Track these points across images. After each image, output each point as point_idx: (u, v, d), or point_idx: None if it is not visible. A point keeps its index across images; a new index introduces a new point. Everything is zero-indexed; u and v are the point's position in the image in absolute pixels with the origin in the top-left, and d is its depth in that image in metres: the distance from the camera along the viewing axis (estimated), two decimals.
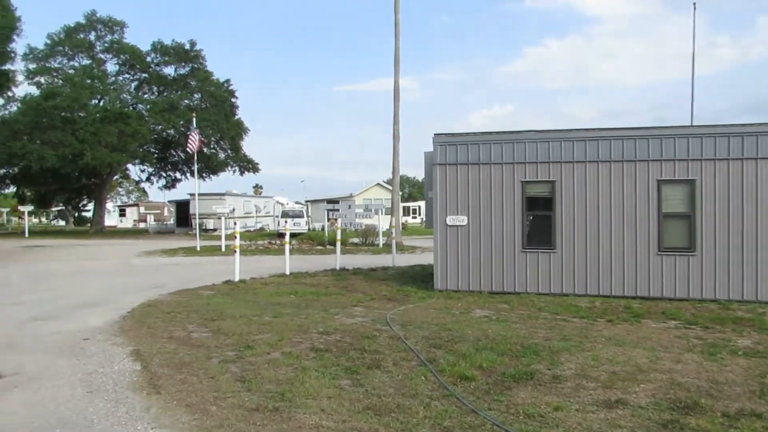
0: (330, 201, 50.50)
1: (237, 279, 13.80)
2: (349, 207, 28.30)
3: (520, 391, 5.55)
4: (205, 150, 47.06)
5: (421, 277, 15.04)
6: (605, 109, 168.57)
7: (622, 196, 11.92)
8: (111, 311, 9.81)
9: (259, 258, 21.85)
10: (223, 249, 24.04)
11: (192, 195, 42.22)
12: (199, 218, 41.23)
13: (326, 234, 28.82)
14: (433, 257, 12.97)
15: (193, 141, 24.84)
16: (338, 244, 17.13)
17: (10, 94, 21.70)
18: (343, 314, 9.51)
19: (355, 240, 28.24)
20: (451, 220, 12.80)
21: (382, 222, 28.77)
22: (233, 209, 40.94)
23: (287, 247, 15.52)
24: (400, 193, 53.68)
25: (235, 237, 14.05)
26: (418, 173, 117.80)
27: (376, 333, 7.90)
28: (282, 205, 57.43)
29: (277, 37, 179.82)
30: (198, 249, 24.55)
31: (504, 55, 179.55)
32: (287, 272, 15.45)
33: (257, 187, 73.48)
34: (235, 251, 13.91)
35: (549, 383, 5.80)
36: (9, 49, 18.53)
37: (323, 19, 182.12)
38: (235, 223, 14.42)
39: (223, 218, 25.13)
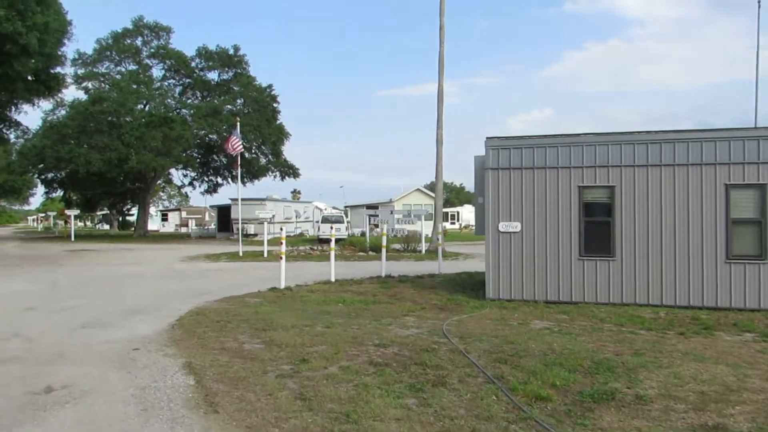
0: (369, 206, 50.25)
1: (283, 286, 13.55)
2: (391, 212, 27.98)
3: (603, 413, 5.08)
4: (246, 155, 47.50)
5: (470, 285, 14.57)
6: (647, 112, 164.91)
7: (687, 201, 11.26)
8: (159, 319, 9.63)
9: (302, 264, 21.64)
10: (266, 255, 23.95)
11: (233, 200, 42.53)
12: (241, 223, 41.58)
13: (368, 240, 28.51)
14: (485, 265, 12.49)
15: (233, 144, 24.86)
16: (383, 251, 16.74)
17: (58, 98, 22.24)
18: (396, 325, 9.13)
19: (397, 246, 27.84)
20: (503, 226, 12.31)
21: (425, 228, 28.29)
22: (274, 215, 41.08)
23: (332, 254, 15.24)
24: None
25: (281, 243, 13.81)
26: (456, 178, 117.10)
27: (435, 346, 7.49)
28: (320, 210, 57.51)
29: (318, 42, 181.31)
30: (241, 254, 24.52)
31: (543, 60, 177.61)
32: (332, 279, 15.16)
33: (295, 192, 73.79)
34: (281, 258, 13.66)
35: (633, 404, 5.30)
36: (60, 53, 18.83)
37: (364, 24, 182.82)
38: (281, 229, 14.18)
39: (265, 223, 25.03)
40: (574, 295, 11.80)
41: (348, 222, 40.52)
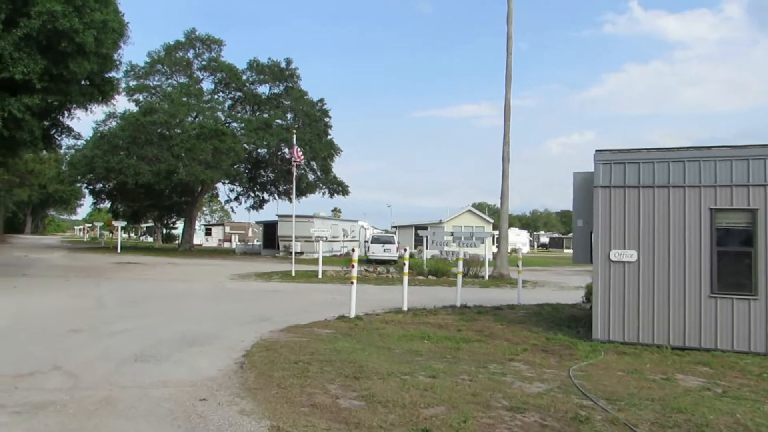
0: (418, 227, 48.61)
1: (353, 315, 11.93)
2: (452, 234, 26.24)
3: None
4: (294, 170, 46.49)
5: (561, 321, 12.73)
6: (689, 136, 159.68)
7: None
8: (222, 352, 8.09)
9: (360, 287, 19.98)
10: (320, 275, 22.44)
11: (281, 216, 41.41)
12: (288, 241, 40.33)
13: (425, 262, 26.76)
14: (593, 299, 10.62)
15: (298, 154, 23.66)
16: (459, 277, 15.03)
17: (111, 106, 21.49)
18: (512, 375, 7.38)
19: (456, 270, 26.02)
20: (616, 254, 10.46)
21: (487, 251, 26.42)
22: (328, 233, 39.76)
23: (405, 280, 13.57)
24: (491, 222, 51.15)
25: (352, 266, 12.21)
26: (494, 200, 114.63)
27: (583, 412, 5.71)
28: (365, 229, 56.06)
29: (362, 58, 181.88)
30: (293, 274, 23.07)
31: (582, 82, 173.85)
32: (405, 308, 13.49)
33: (335, 211, 72.56)
34: (352, 283, 12.06)
35: None
36: (116, 57, 17.96)
37: (404, 44, 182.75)
38: (353, 250, 12.59)
39: (320, 242, 23.62)
40: (704, 341, 9.85)
41: (398, 243, 38.84)
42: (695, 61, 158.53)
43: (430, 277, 23.88)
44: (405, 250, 13.96)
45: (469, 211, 50.45)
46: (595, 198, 10.65)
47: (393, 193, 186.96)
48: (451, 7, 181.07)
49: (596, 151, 10.80)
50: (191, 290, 17.15)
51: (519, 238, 71.87)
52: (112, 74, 19.50)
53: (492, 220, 50.20)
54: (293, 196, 28.17)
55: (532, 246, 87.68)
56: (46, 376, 6.51)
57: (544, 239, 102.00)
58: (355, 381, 6.42)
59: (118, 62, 19.10)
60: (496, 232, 53.05)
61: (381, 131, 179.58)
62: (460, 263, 15.46)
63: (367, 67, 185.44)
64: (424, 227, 48.34)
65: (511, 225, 77.11)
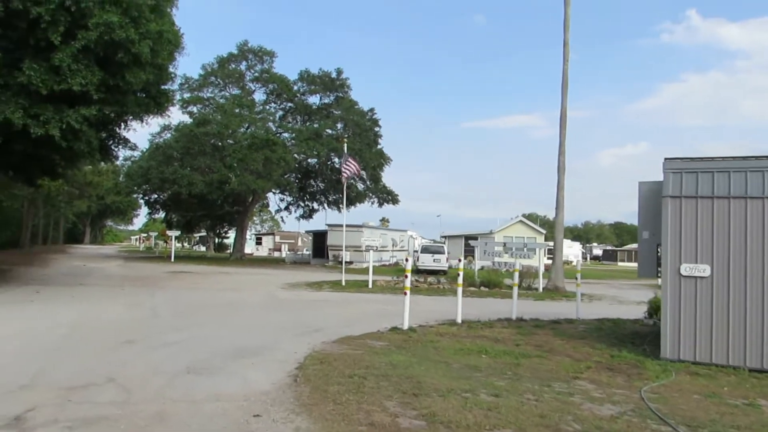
0: (468, 237, 47.95)
1: (406, 326, 11.62)
2: (505, 245, 25.67)
3: None
4: (342, 180, 46.59)
5: (624, 337, 12.09)
6: (750, 149, 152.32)
7: None
8: (275, 364, 7.92)
9: (411, 298, 19.67)
10: (371, 285, 22.24)
11: (330, 226, 41.51)
12: (338, 250, 40.37)
13: (476, 273, 26.21)
14: (662, 316, 10.01)
15: (351, 167, 23.54)
16: (515, 289, 14.55)
17: (166, 117, 21.90)
18: (579, 394, 6.94)
19: (509, 281, 25.39)
20: (687, 269, 9.83)
21: (541, 263, 25.70)
22: (379, 243, 39.61)
23: (459, 291, 13.20)
24: (544, 233, 50.02)
25: (406, 276, 11.93)
26: (545, 211, 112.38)
27: None
28: (414, 239, 55.70)
29: (416, 70, 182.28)
30: (343, 284, 22.95)
31: (637, 92, 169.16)
32: (459, 320, 13.10)
33: (384, 220, 72.42)
34: (405, 293, 11.76)
35: None
36: (171, 68, 18.28)
37: (467, 56, 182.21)
38: (406, 260, 12.33)
39: (370, 252, 23.44)
40: None
41: (449, 253, 38.33)
42: (757, 71, 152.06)
43: (482, 288, 23.36)
44: (459, 260, 13.57)
45: (521, 221, 49.48)
46: (663, 209, 10.07)
47: (442, 203, 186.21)
48: (505, 18, 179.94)
49: (666, 159, 10.23)
50: (243, 300, 17.19)
51: (571, 250, 70.18)
52: (168, 86, 19.83)
53: (544, 231, 49.09)
54: (344, 204, 27.93)
55: (584, 258, 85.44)
56: (99, 389, 6.44)
57: (597, 251, 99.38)
58: (414, 398, 6.12)
59: (173, 74, 19.45)
60: (549, 243, 51.95)
61: (431, 142, 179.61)
62: (516, 275, 14.98)
63: (420, 78, 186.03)
64: (474, 237, 47.64)
65: (565, 237, 75.51)
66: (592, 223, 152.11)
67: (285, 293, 19.71)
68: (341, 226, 41.11)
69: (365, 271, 34.57)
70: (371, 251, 23.79)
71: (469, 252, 47.33)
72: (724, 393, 7.62)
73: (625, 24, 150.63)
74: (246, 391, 6.41)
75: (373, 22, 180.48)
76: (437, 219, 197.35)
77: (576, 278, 16.04)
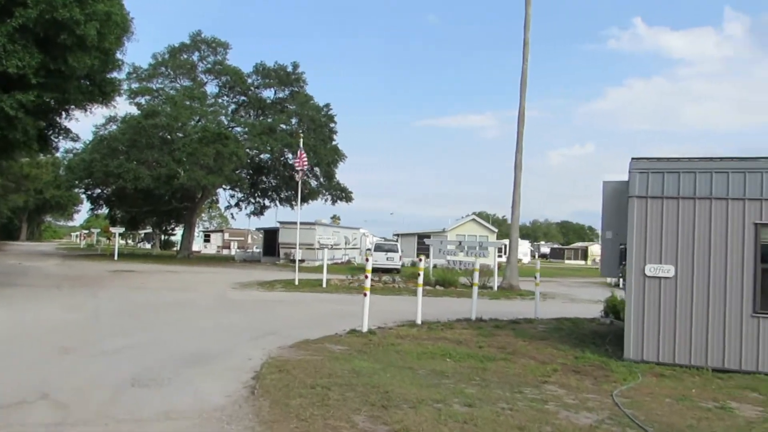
0: (421, 236, 47.84)
1: (365, 329, 11.18)
2: (460, 243, 25.55)
3: None
4: (296, 176, 45.68)
5: (585, 337, 12.00)
6: (692, 152, 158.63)
7: None
8: (229, 373, 7.35)
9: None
10: (324, 285, 21.68)
11: (282, 223, 40.67)
12: (289, 248, 39.60)
13: (431, 272, 25.97)
14: (626, 316, 9.89)
15: (303, 159, 22.88)
16: (475, 290, 14.30)
17: (112, 107, 20.52)
18: (553, 402, 6.65)
19: (463, 280, 25.27)
20: (652, 269, 9.74)
21: (496, 261, 25.67)
22: (335, 241, 38.96)
23: (420, 292, 12.83)
24: (496, 231, 50.42)
25: (366, 276, 11.47)
26: (499, 211, 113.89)
27: None
28: (366, 237, 55.32)
29: (367, 68, 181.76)
30: (296, 283, 22.31)
31: (585, 95, 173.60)
32: (418, 321, 12.75)
33: (334, 218, 71.82)
34: (365, 294, 11.31)
35: None
36: (119, 56, 17.13)
37: (418, 55, 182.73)
38: (366, 259, 11.87)
39: (324, 250, 22.88)
40: (745, 363, 9.14)
41: (402, 251, 38.10)
42: (698, 79, 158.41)
43: (437, 287, 23.13)
44: (420, 260, 13.21)
45: (473, 220, 49.73)
46: (630, 209, 9.94)
47: (392, 201, 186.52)
48: (457, 19, 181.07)
49: (632, 159, 10.11)
50: (193, 301, 16.39)
51: (521, 249, 71.06)
52: (115, 74, 18.69)
53: (496, 230, 49.47)
54: (298, 201, 27.51)
55: (533, 256, 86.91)
56: (31, 408, 5.69)
57: (545, 249, 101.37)
58: (384, 411, 5.68)
59: (121, 61, 18.30)
60: (504, 242, 52.34)
61: (383, 140, 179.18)
62: (476, 274, 14.74)
63: (371, 77, 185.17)
64: (427, 236, 47.47)
65: (509, 235, 76.48)
66: (539, 221, 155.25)
67: (236, 293, 18.96)
68: (294, 223, 40.36)
69: (318, 269, 33.90)
70: (326, 249, 23.22)
71: (423, 250, 47.27)
72: (693, 395, 7.49)
73: (574, 29, 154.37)
74: (199, 407, 5.83)
75: (329, 22, 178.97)
76: (389, 217, 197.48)
77: (535, 277, 15.92)
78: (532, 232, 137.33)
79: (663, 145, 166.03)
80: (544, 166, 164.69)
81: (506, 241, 32.00)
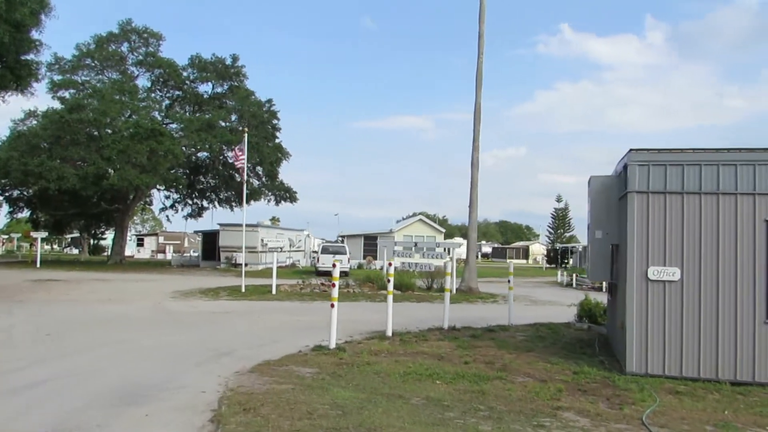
0: (368, 237, 46.63)
1: (333, 345, 9.79)
2: (417, 244, 24.40)
3: None
4: (237, 176, 43.37)
5: (571, 347, 11.03)
6: (618, 153, 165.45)
7: None
8: (179, 415, 5.82)
9: (322, 305, 17.78)
10: (274, 291, 20.04)
11: (223, 225, 38.48)
12: (231, 252, 37.50)
13: (386, 274, 24.67)
14: (627, 325, 8.88)
15: (238, 156, 21.01)
16: (447, 296, 13.17)
17: (31, 106, 18.18)
18: None
19: (419, 283, 24.12)
20: (655, 272, 8.78)
21: (453, 263, 24.62)
22: (284, 244, 37.01)
23: (390, 300, 11.51)
24: (443, 231, 49.77)
25: (333, 285, 10.06)
26: (439, 212, 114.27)
27: None
28: (309, 238, 53.59)
29: (304, 68, 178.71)
30: (243, 290, 20.54)
31: (517, 97, 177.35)
32: (389, 333, 11.45)
33: (274, 219, 69.55)
34: (332, 306, 9.90)
35: None
36: (35, 35, 14.90)
37: (355, 58, 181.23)
38: (334, 265, 10.45)
39: (275, 253, 21.21)
40: (759, 374, 8.33)
41: (350, 253, 36.69)
42: (622, 83, 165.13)
43: (396, 292, 21.85)
44: (390, 264, 11.91)
45: (420, 220, 48.93)
46: (629, 205, 8.95)
47: (333, 202, 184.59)
48: (392, 24, 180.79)
49: (631, 150, 9.12)
50: (126, 314, 14.47)
51: (464, 248, 70.98)
52: (31, 56, 16.35)
53: (443, 230, 48.87)
54: (243, 201, 25.56)
55: (476, 256, 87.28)
56: None
57: (486, 249, 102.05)
58: None
59: (38, 42, 16.03)
60: (461, 241, 51.66)
61: (321, 141, 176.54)
62: (449, 278, 13.57)
63: (311, 76, 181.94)
64: (373, 237, 46.44)
65: (453, 235, 76.21)
66: (478, 221, 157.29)
67: (177, 304, 17.07)
68: (235, 225, 38.31)
69: (263, 274, 32.09)
70: (275, 253, 21.56)
71: (369, 251, 46.07)
72: (730, 419, 6.51)
73: (505, 34, 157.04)
74: None
75: (266, 19, 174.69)
76: (330, 219, 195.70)
77: (508, 281, 14.86)
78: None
79: (591, 145, 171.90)
80: (480, 167, 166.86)
81: (463, 241, 31.21)
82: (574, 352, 10.39)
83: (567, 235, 72.15)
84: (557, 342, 11.56)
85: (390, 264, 11.99)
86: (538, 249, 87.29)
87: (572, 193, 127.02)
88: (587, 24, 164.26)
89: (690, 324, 8.57)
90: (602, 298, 17.75)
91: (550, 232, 75.37)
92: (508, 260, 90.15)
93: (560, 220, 73.27)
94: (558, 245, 69.59)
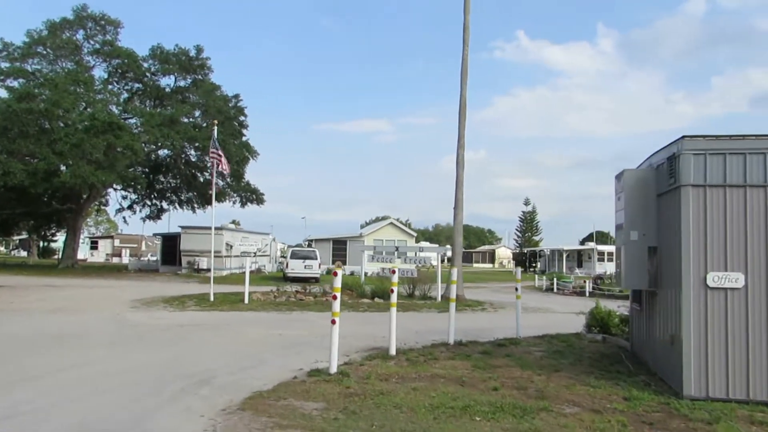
0: (336, 241, 44.99)
1: (333, 369, 8.22)
2: (398, 249, 22.96)
3: None
4: (200, 176, 41.13)
5: (599, 363, 9.75)
6: (573, 157, 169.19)
7: None
8: None
9: (300, 316, 16.15)
10: (247, 300, 18.24)
11: (184, 228, 36.27)
12: (193, 256, 35.36)
13: (363, 281, 23.16)
14: (684, 341, 7.56)
15: (221, 160, 19.07)
16: (452, 306, 11.70)
17: None
18: None
19: (400, 289, 22.66)
20: (715, 279, 7.53)
21: (438, 269, 23.29)
22: (258, 248, 34.97)
23: (393, 312, 9.96)
24: (414, 235, 48.45)
25: (334, 297, 8.45)
26: (401, 215, 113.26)
27: None
28: (275, 242, 51.62)
29: (265, 69, 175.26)
30: (212, 299, 18.66)
31: (475, 103, 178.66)
32: (392, 351, 9.92)
33: (234, 223, 67.11)
34: (334, 322, 8.32)
35: None
36: None
37: (315, 59, 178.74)
38: (335, 273, 8.79)
39: (247, 259, 19.41)
40: None
41: (320, 259, 35.02)
42: (576, 89, 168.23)
43: (376, 299, 20.36)
44: (393, 272, 10.39)
45: (391, 223, 47.50)
46: (683, 201, 7.66)
47: (294, 205, 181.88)
48: (350, 26, 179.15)
49: (684, 137, 7.83)
50: (81, 329, 12.52)
51: (432, 253, 69.95)
52: None
53: (414, 234, 47.60)
54: (213, 202, 23.40)
55: (442, 261, 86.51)
56: None
57: (449, 254, 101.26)
58: None
59: None
60: (447, 247, 50.23)
61: (283, 142, 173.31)
62: (453, 287, 12.14)
63: (274, 77, 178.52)
64: (342, 241, 44.85)
65: (418, 239, 75.09)
66: (441, 225, 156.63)
67: (139, 315, 15.14)
68: (197, 228, 36.16)
69: (228, 280, 30.14)
70: (248, 258, 19.77)
71: (339, 256, 44.40)
72: None
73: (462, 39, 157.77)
74: None
75: (233, 13, 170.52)
76: (293, 222, 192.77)
77: (516, 290, 13.53)
78: (435, 236, 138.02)
79: (547, 150, 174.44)
80: (440, 171, 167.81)
81: (448, 247, 29.95)
82: (607, 371, 9.08)
83: (535, 238, 71.85)
84: (581, 358, 10.26)
85: (393, 272, 10.41)
86: (504, 253, 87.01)
87: (530, 197, 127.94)
88: (542, 31, 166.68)
89: (757, 338, 7.35)
90: (587, 304, 16.65)
91: (518, 236, 74.99)
92: (474, 264, 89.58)
93: (528, 223, 72.97)
94: (526, 249, 69.17)
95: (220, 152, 19.63)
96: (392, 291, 10.06)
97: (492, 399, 7.14)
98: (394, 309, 9.97)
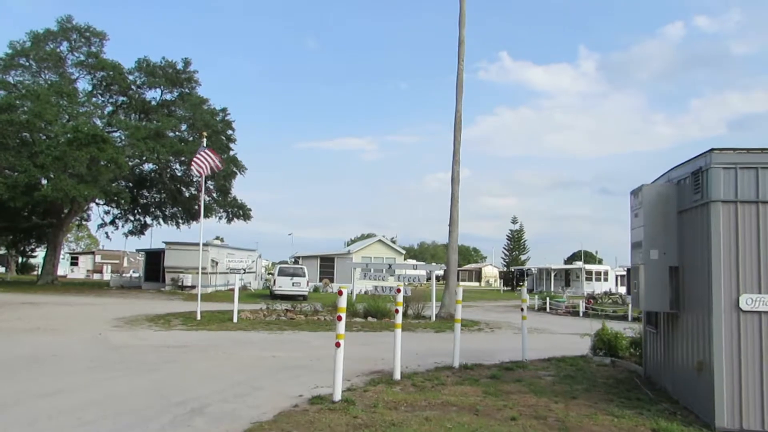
0: (324, 258, 44.29)
1: (338, 397, 7.58)
2: (390, 266, 22.37)
3: None
4: (186, 192, 40.31)
5: (612, 389, 9.23)
6: (554, 177, 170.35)
7: None
8: None
9: (292, 336, 15.45)
10: (236, 319, 17.49)
11: (168, 244, 35.37)
12: (178, 272, 34.46)
13: (354, 299, 22.50)
14: (715, 367, 7.05)
15: (209, 160, 18.24)
16: (458, 326, 11.10)
17: None
18: None
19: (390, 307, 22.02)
20: (748, 301, 7.05)
21: (433, 288, 22.71)
22: (248, 265, 34.04)
23: (398, 333, 9.33)
24: (403, 253, 47.88)
25: (339, 318, 7.80)
26: (386, 233, 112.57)
27: None
28: (260, 259, 50.77)
29: (249, 87, 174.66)
30: (198, 318, 17.88)
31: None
32: (397, 375, 9.30)
33: (218, 239, 66.06)
34: (338, 345, 7.67)
35: None
36: None
37: (299, 77, 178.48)
38: (340, 293, 8.14)
39: (237, 275, 18.67)
40: None
41: (308, 276, 34.27)
42: (558, 110, 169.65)
43: (369, 318, 19.70)
44: (399, 291, 9.79)
45: (380, 241, 46.89)
46: (713, 218, 7.19)
47: (278, 222, 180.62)
48: (334, 45, 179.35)
49: (713, 150, 7.38)
50: (60, 351, 11.71)
51: (419, 271, 69.40)
52: None
53: (403, 251, 47.01)
54: (201, 216, 22.70)
55: (428, 279, 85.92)
56: None
57: (439, 272, 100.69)
58: None
59: None
60: (441, 266, 49.49)
61: (266, 160, 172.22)
62: (459, 307, 11.54)
63: (257, 95, 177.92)
64: (330, 258, 44.17)
65: (405, 257, 74.45)
66: (427, 243, 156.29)
67: (122, 335, 14.33)
68: (182, 244, 35.32)
69: (214, 297, 29.28)
70: (238, 275, 19.05)
71: (326, 274, 43.68)
72: None
73: (446, 60, 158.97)
74: None
75: (216, 35, 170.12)
76: (278, 239, 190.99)
77: (522, 309, 12.97)
78: (420, 254, 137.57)
79: (530, 170, 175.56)
80: (424, 189, 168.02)
81: (442, 265, 29.49)
82: (627, 398, 8.53)
83: (522, 257, 71.55)
84: (594, 383, 9.70)
85: (399, 290, 9.82)
86: (490, 271, 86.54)
87: (511, 216, 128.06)
88: (525, 53, 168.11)
89: None
90: (583, 324, 16.11)
91: (505, 254, 74.65)
92: (460, 283, 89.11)
93: (516, 242, 72.69)
94: (513, 267, 68.81)
95: (208, 151, 18.82)
96: (397, 311, 9.47)
97: (512, 431, 6.56)
98: (399, 330, 9.35)
